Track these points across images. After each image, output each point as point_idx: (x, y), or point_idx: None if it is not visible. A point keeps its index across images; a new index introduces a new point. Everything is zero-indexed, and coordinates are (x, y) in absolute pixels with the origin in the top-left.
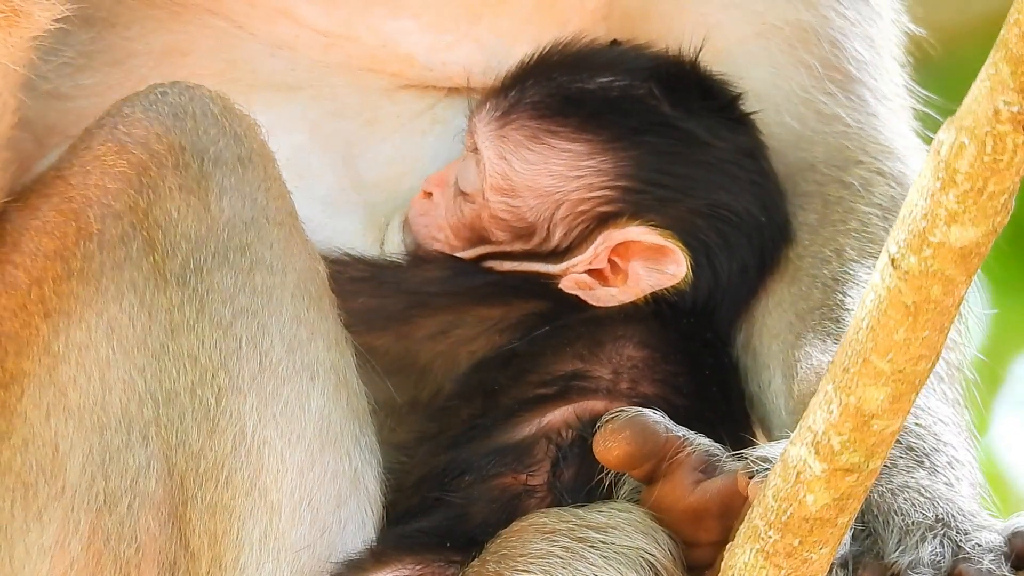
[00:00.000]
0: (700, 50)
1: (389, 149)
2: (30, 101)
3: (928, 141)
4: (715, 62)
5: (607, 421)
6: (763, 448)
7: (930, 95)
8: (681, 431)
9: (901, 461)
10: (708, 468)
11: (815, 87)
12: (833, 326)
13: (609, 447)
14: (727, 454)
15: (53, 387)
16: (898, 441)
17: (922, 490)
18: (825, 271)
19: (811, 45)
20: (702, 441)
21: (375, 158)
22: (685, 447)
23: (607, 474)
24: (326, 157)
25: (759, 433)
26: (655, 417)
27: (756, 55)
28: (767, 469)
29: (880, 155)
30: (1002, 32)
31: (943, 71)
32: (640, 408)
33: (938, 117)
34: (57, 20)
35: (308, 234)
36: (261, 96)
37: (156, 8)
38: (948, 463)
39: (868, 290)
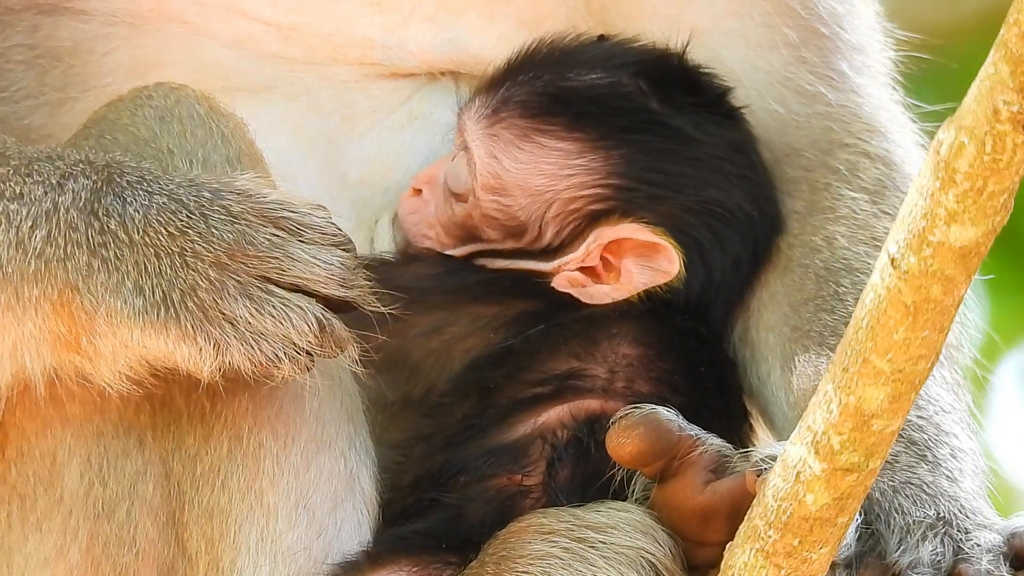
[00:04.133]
0: (687, 45)
1: (370, 145)
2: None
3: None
4: (693, 47)
5: (621, 417)
6: (773, 447)
7: (929, 94)
8: (694, 430)
9: (903, 456)
10: (719, 468)
11: (794, 64)
12: (828, 317)
13: (622, 443)
14: (738, 454)
15: (49, 396)
16: (899, 435)
17: (924, 486)
18: (817, 260)
19: (785, 14)
20: (714, 441)
21: (357, 155)
22: (697, 446)
23: (617, 471)
24: (309, 157)
25: (759, 427)
26: (668, 415)
27: (732, 34)
28: None
29: (864, 134)
30: (1002, 32)
31: (942, 71)
32: (654, 406)
33: (936, 110)
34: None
35: None
36: (237, 100)
37: (114, 25)
38: (951, 454)
39: (867, 289)
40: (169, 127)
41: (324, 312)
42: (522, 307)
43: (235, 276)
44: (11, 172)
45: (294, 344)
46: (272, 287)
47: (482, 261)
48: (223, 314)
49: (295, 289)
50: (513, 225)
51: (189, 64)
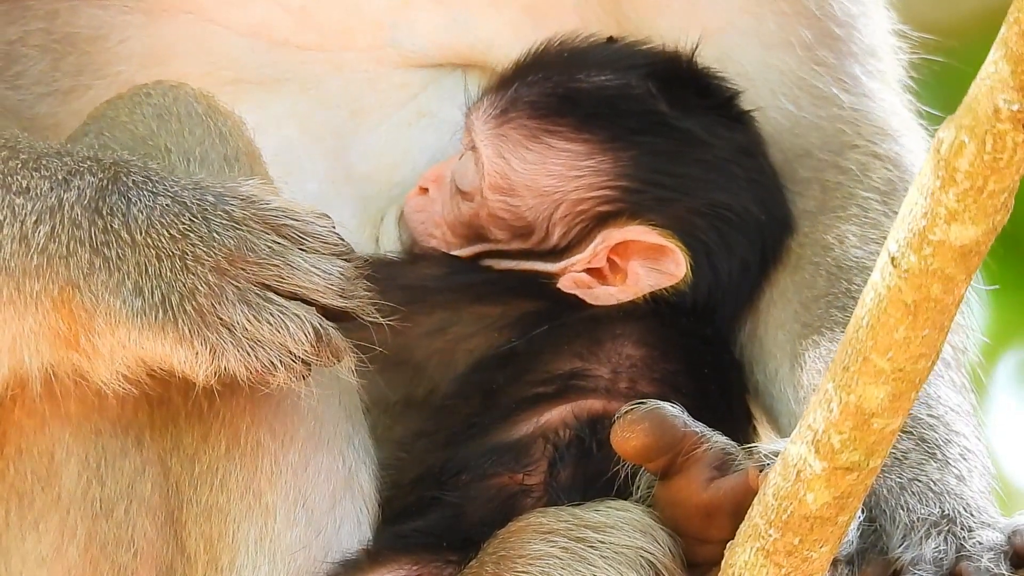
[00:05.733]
0: (696, 47)
1: (377, 141)
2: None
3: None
4: (707, 44)
5: (626, 412)
6: (777, 444)
7: (929, 92)
8: (699, 427)
9: (913, 454)
10: (723, 465)
11: (808, 65)
12: (840, 315)
13: (627, 438)
14: (742, 452)
15: (48, 395)
16: (910, 432)
17: (932, 484)
18: (828, 259)
19: (800, 13)
20: (719, 438)
21: (365, 151)
22: (702, 443)
23: (621, 467)
24: (316, 151)
25: (762, 425)
26: (674, 411)
27: (747, 32)
28: None
29: (875, 137)
30: (1002, 31)
31: (942, 69)
32: (660, 401)
33: (937, 112)
34: (39, 45)
35: None
36: (249, 94)
37: (130, 13)
38: (960, 454)
39: (868, 288)
40: (167, 125)
41: (322, 321)
42: (526, 307)
43: (234, 282)
44: (20, 166)
45: (290, 352)
46: (271, 294)
47: (488, 261)
48: (220, 319)
49: (294, 297)
50: (520, 225)
51: (202, 55)
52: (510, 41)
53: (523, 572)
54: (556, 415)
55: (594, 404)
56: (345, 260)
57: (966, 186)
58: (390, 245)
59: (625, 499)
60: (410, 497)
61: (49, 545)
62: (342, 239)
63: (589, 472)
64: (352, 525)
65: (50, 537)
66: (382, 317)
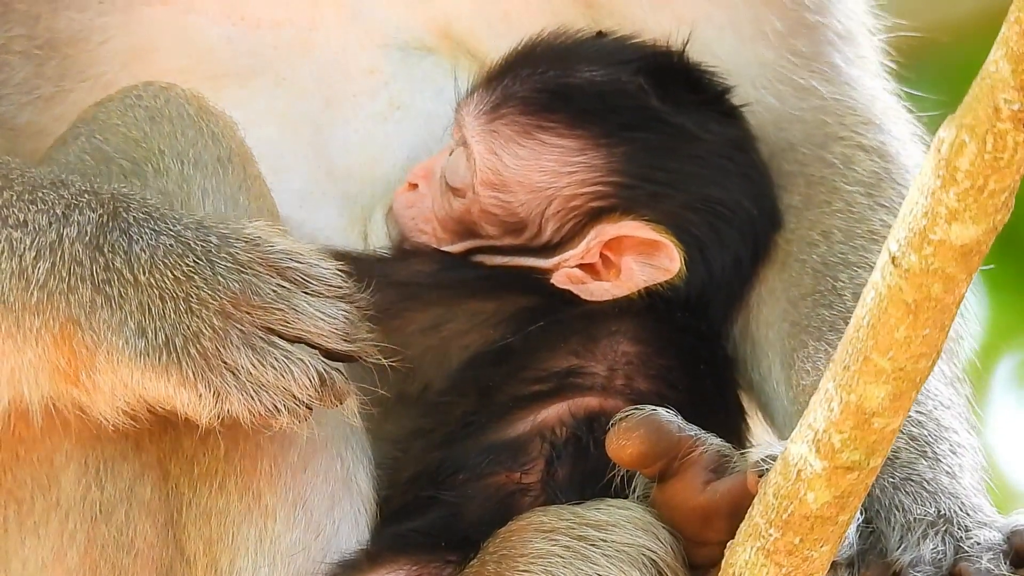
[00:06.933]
0: (687, 42)
1: (354, 135)
2: (9, 144)
3: (931, 132)
4: (690, 41)
5: (621, 419)
6: (773, 447)
7: (930, 92)
8: (694, 430)
9: (904, 452)
10: (719, 468)
11: (785, 57)
12: (827, 312)
13: (622, 445)
14: (738, 454)
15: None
16: (900, 430)
17: (925, 483)
18: (814, 255)
19: (772, 4)
20: (714, 441)
21: (344, 144)
22: (697, 447)
23: (617, 471)
24: (297, 148)
25: (757, 423)
26: (668, 416)
27: (722, 26)
28: None
29: (859, 127)
30: (1003, 30)
31: (942, 68)
32: (654, 407)
33: (937, 106)
34: (21, 51)
35: (290, 232)
36: (229, 90)
37: (109, 14)
38: (951, 450)
39: (868, 287)
40: (159, 127)
41: (326, 366)
42: (521, 303)
43: (239, 326)
44: (15, 198)
45: (294, 397)
46: (275, 339)
47: (480, 257)
48: (225, 363)
49: (298, 340)
50: (513, 221)
51: (182, 49)
52: (471, 17)
53: (525, 571)
54: (553, 413)
55: (591, 402)
56: (348, 303)
57: (967, 185)
58: (379, 242)
59: (624, 496)
60: (407, 496)
61: (49, 550)
62: (345, 281)
63: (587, 470)
64: (351, 526)
65: (50, 542)
66: (377, 318)
